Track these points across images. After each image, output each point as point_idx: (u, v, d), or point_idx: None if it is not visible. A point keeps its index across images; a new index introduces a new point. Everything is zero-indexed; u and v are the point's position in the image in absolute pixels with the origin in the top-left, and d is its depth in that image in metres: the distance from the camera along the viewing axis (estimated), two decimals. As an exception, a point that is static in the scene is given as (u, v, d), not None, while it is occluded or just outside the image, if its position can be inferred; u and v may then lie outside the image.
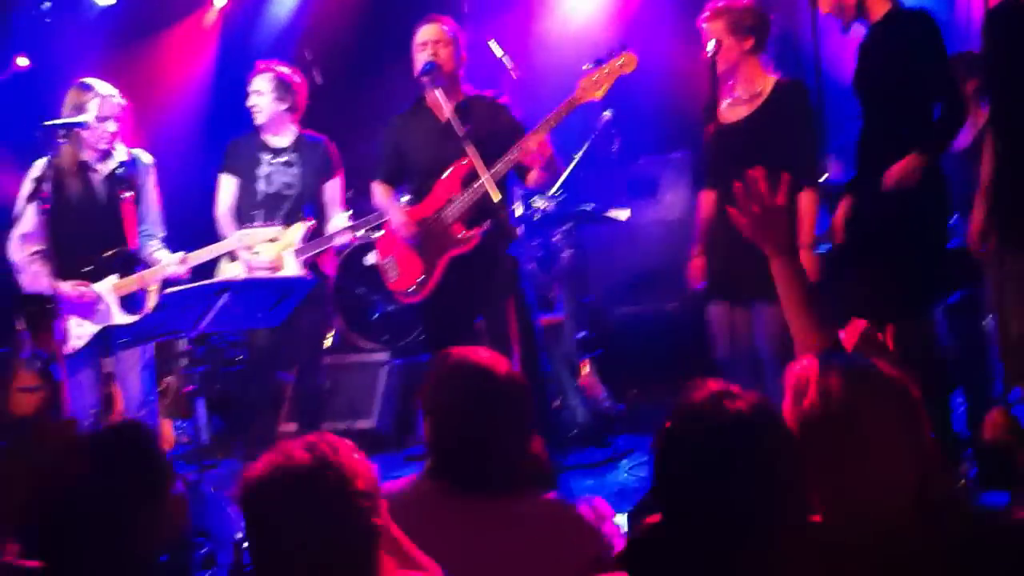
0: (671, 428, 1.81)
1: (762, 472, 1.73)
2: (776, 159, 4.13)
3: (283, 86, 5.11)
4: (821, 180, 4.33)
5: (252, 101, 5.12)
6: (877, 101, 4.05)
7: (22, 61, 7.35)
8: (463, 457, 2.23)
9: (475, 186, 4.36)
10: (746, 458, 1.74)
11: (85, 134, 4.67)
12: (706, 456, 1.75)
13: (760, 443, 1.75)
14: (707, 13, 4.27)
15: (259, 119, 5.13)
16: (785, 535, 1.74)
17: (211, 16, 7.74)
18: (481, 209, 4.40)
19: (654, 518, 1.86)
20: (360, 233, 5.37)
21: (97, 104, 4.67)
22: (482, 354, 2.41)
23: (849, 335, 2.43)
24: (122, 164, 4.80)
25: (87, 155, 4.74)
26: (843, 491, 1.85)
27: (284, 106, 5.11)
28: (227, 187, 5.20)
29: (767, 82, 4.29)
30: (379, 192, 4.82)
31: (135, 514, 2.02)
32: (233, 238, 4.93)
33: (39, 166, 4.62)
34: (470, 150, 4.24)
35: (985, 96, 4.25)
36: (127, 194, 4.75)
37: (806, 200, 4.17)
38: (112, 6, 7.41)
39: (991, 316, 4.67)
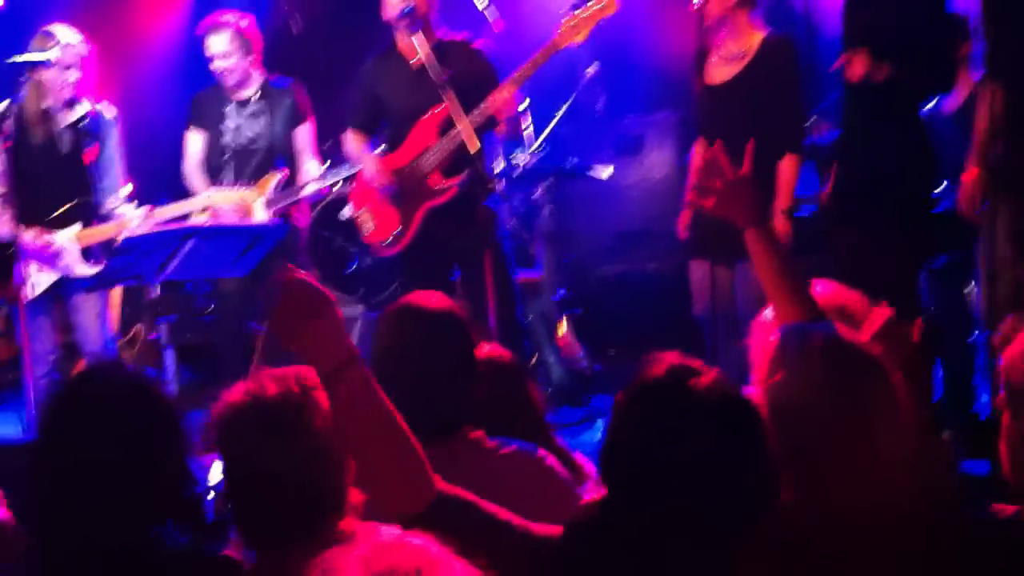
0: (624, 406, 1.70)
1: (719, 455, 1.62)
2: (761, 122, 4.08)
3: (244, 40, 4.95)
4: (804, 144, 4.25)
5: (221, 64, 4.94)
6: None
7: (-8, -1, 7.17)
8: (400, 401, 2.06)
9: (452, 134, 4.23)
10: (704, 441, 1.62)
11: (48, 77, 4.53)
12: (661, 437, 1.63)
13: (724, 427, 1.64)
14: None
15: (230, 80, 4.96)
16: (741, 520, 1.64)
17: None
18: (459, 159, 4.27)
19: (596, 496, 1.74)
20: (335, 185, 5.24)
21: (59, 50, 4.52)
22: (425, 296, 2.34)
23: (872, 322, 2.28)
24: (86, 115, 4.68)
25: (50, 102, 4.60)
26: (820, 473, 1.76)
27: (250, 58, 4.97)
28: (195, 142, 5.10)
29: (755, 39, 4.19)
30: (352, 141, 4.68)
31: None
32: (203, 196, 4.84)
33: (1, 106, 4.53)
34: (448, 96, 4.09)
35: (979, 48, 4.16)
36: (90, 147, 4.65)
37: (787, 165, 4.13)
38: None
39: (974, 283, 4.59)
